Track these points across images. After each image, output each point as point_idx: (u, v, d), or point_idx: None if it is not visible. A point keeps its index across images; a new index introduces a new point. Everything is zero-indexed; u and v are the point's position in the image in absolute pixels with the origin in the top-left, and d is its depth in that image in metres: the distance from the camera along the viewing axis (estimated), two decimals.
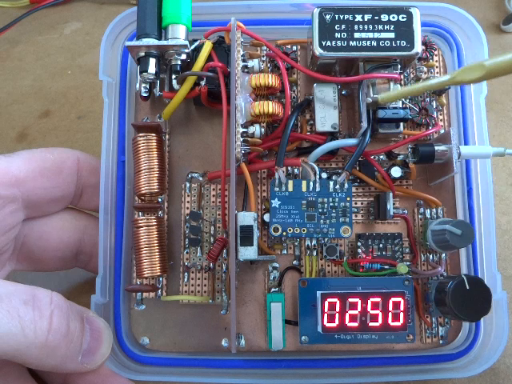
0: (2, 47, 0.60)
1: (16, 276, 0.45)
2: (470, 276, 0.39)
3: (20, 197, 0.39)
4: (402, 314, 0.40)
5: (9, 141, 0.55)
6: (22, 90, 0.58)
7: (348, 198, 0.41)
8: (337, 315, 0.40)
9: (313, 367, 0.42)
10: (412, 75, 0.46)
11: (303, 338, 0.40)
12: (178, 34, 0.42)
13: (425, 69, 0.46)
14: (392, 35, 0.41)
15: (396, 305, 0.40)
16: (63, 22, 0.61)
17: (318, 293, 0.40)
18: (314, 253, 0.44)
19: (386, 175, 0.43)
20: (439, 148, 0.41)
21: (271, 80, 0.41)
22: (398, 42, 0.40)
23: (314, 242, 0.44)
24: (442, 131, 0.45)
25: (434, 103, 0.46)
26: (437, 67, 0.46)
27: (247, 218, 0.39)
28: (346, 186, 0.41)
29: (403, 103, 0.44)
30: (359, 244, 0.43)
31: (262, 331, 0.43)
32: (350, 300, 0.40)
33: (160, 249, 0.41)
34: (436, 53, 0.46)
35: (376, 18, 0.41)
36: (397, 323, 0.40)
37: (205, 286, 0.43)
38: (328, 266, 0.44)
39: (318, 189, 0.41)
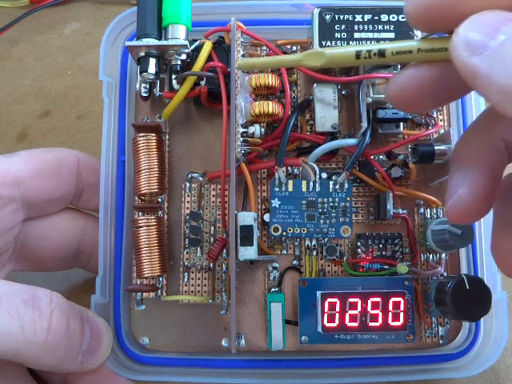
0: (1, 47, 0.60)
1: (16, 276, 0.45)
2: (470, 276, 0.39)
3: (20, 197, 0.39)
4: (402, 314, 0.40)
5: (9, 141, 0.55)
6: (21, 90, 0.58)
7: (348, 198, 0.41)
8: (337, 315, 0.40)
9: (313, 367, 0.42)
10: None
11: (303, 337, 0.40)
12: (178, 34, 0.42)
13: None
14: (392, 35, 0.41)
15: (396, 305, 0.40)
16: (63, 21, 0.61)
17: (318, 293, 0.40)
18: (314, 253, 0.44)
19: (385, 175, 0.43)
20: (439, 148, 0.41)
21: (271, 80, 0.41)
22: None
23: (313, 242, 0.44)
24: (442, 131, 0.45)
25: None
26: None
27: (247, 218, 0.39)
28: (346, 185, 0.41)
29: None
30: (359, 244, 0.43)
31: (262, 331, 0.43)
32: (350, 300, 0.40)
33: (160, 249, 0.41)
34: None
35: (376, 18, 0.41)
36: (397, 323, 0.40)
37: (205, 286, 0.43)
38: (328, 266, 0.44)
39: (318, 189, 0.41)
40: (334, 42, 0.40)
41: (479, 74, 0.21)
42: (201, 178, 0.45)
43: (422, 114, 0.44)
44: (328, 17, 0.41)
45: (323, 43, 0.40)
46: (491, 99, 0.21)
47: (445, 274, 0.43)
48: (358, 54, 0.25)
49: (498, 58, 0.20)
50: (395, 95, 0.26)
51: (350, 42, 0.40)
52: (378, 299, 0.40)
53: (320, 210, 0.40)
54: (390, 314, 0.40)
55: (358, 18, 0.41)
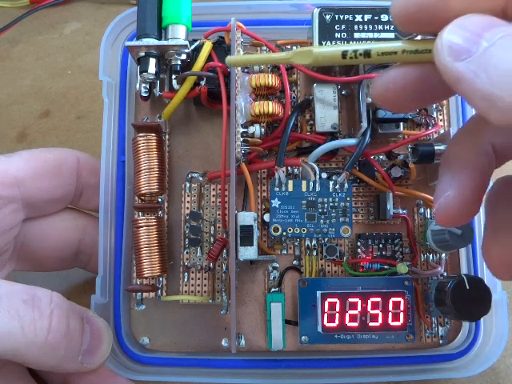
0: (1, 47, 0.60)
1: (16, 276, 0.45)
2: (470, 276, 0.39)
3: (20, 197, 0.39)
4: (402, 314, 0.40)
5: (9, 141, 0.55)
6: (21, 90, 0.58)
7: (348, 198, 0.41)
8: (337, 315, 0.40)
9: (313, 367, 0.42)
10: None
11: (303, 337, 0.40)
12: (178, 34, 0.42)
13: None
14: (392, 35, 0.41)
15: (396, 305, 0.40)
16: (63, 21, 0.61)
17: (318, 293, 0.40)
18: (314, 253, 0.44)
19: (385, 175, 0.43)
20: (439, 148, 0.41)
21: (271, 80, 0.41)
22: None
23: (314, 242, 0.44)
24: (442, 131, 0.45)
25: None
26: None
27: (247, 218, 0.39)
28: (346, 185, 0.41)
29: None
30: (359, 244, 0.43)
31: (262, 331, 0.43)
32: (350, 300, 0.40)
33: (160, 249, 0.41)
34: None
35: (376, 18, 0.41)
36: (397, 323, 0.40)
37: (205, 286, 0.43)
38: (328, 266, 0.44)
39: (318, 189, 0.41)
40: (334, 42, 0.40)
41: (462, 79, 0.20)
42: (201, 178, 0.45)
43: (405, 113, 0.44)
44: (328, 17, 0.41)
45: (323, 43, 0.40)
46: (474, 104, 0.21)
47: (445, 274, 0.43)
48: (344, 54, 0.25)
49: (481, 64, 0.20)
50: (379, 94, 0.26)
51: (350, 43, 0.40)
52: (378, 299, 0.40)
53: (320, 210, 0.40)
54: (389, 314, 0.40)
55: (358, 17, 0.41)
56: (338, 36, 0.40)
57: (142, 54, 0.42)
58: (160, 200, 0.44)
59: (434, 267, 0.43)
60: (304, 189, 0.41)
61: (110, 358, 0.40)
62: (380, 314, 0.40)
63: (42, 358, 0.33)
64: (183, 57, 0.42)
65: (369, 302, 0.40)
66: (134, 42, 0.41)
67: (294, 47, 0.46)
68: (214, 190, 0.45)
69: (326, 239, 0.43)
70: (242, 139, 0.40)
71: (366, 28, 0.40)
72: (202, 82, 0.42)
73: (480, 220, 0.43)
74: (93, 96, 0.57)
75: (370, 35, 0.40)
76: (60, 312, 0.34)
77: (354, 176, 0.44)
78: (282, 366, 0.42)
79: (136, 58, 0.43)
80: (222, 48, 0.43)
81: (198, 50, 0.42)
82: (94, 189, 0.42)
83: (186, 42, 0.41)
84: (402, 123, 0.43)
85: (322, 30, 0.40)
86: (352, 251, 0.44)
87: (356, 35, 0.40)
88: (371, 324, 0.40)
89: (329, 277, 0.43)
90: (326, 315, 0.40)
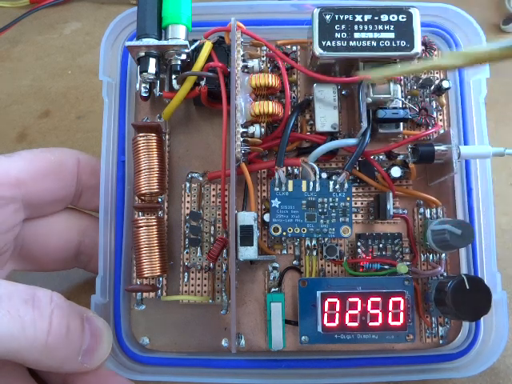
0: (2, 47, 0.60)
1: (16, 276, 0.45)
2: (470, 276, 0.39)
3: (20, 197, 0.39)
4: (401, 314, 0.40)
5: (9, 141, 0.55)
6: (21, 90, 0.58)
7: (348, 198, 0.41)
8: (337, 315, 0.40)
9: (313, 367, 0.42)
10: (412, 75, 0.46)
11: (303, 337, 0.40)
12: (178, 34, 0.42)
13: None
14: (392, 35, 0.41)
15: (396, 305, 0.40)
16: (63, 21, 0.61)
17: (318, 293, 0.40)
18: (314, 253, 0.44)
19: (385, 175, 0.43)
20: (439, 148, 0.41)
21: (271, 80, 0.41)
22: (397, 42, 0.40)
23: (314, 242, 0.44)
24: (442, 131, 0.45)
25: (434, 103, 0.46)
26: None
27: (247, 217, 0.39)
28: (346, 185, 0.41)
29: (403, 103, 0.44)
30: (359, 244, 0.43)
31: (262, 331, 0.43)
32: (350, 300, 0.40)
33: (160, 249, 0.41)
34: (436, 53, 0.46)
35: (376, 18, 0.41)
36: (397, 323, 0.40)
37: (205, 286, 0.43)
38: (328, 265, 0.44)
39: (318, 189, 0.41)
40: (333, 42, 0.40)
41: None
42: (201, 178, 0.45)
43: None
44: (328, 17, 0.41)
45: (323, 43, 0.40)
46: None
47: (445, 274, 0.43)
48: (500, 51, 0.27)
49: None
50: None
51: (350, 42, 0.40)
52: (378, 299, 0.40)
53: (320, 210, 0.40)
54: (389, 314, 0.40)
55: (358, 18, 0.41)
56: (338, 36, 0.40)
57: (142, 54, 0.42)
58: (160, 200, 0.44)
59: (434, 267, 0.43)
60: (304, 189, 0.41)
61: (110, 358, 0.40)
62: (380, 314, 0.40)
63: (42, 358, 0.33)
64: (183, 57, 0.42)
65: (369, 302, 0.40)
66: (134, 42, 0.41)
67: (294, 47, 0.46)
68: (213, 190, 0.45)
69: (326, 239, 0.43)
70: (242, 139, 0.40)
71: (365, 28, 0.40)
72: (202, 82, 0.42)
73: (480, 220, 0.43)
74: (93, 96, 0.57)
75: (370, 35, 0.40)
76: (60, 312, 0.34)
77: (354, 176, 0.44)
78: (282, 366, 0.42)
79: (136, 58, 0.43)
80: (221, 48, 0.43)
81: (198, 50, 0.42)
82: (94, 189, 0.42)
83: (186, 42, 0.41)
84: (401, 123, 0.43)
85: (322, 30, 0.40)
86: (352, 251, 0.44)
87: (356, 35, 0.40)
88: (371, 324, 0.40)
89: (329, 277, 0.43)
90: (325, 315, 0.40)
